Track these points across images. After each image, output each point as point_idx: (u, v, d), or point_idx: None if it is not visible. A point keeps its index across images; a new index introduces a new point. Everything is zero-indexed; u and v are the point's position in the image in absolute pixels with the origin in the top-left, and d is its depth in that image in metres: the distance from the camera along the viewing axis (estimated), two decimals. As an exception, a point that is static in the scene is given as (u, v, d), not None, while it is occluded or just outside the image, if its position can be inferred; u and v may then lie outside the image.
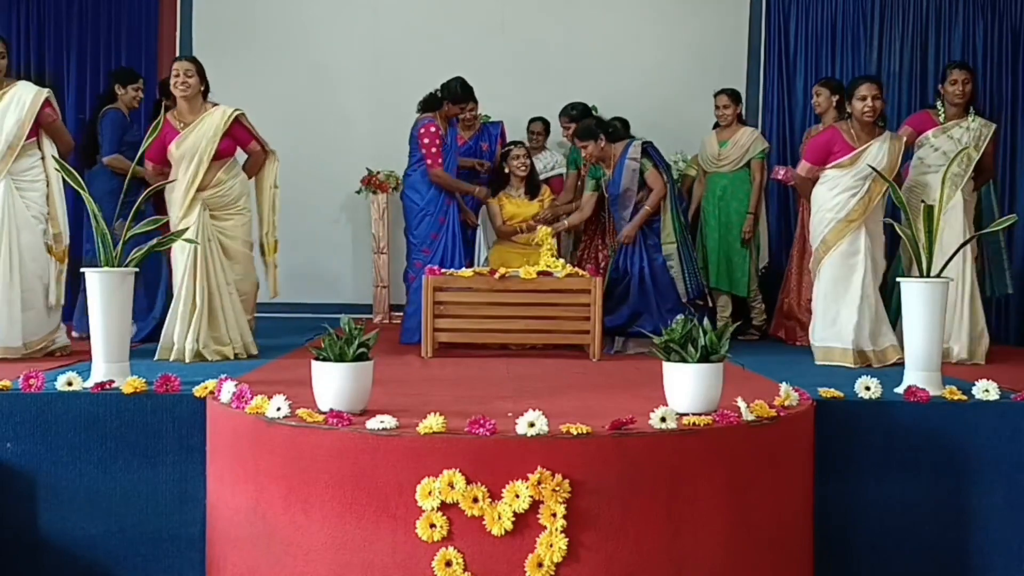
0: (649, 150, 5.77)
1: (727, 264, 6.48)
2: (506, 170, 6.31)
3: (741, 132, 6.55)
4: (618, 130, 6.01)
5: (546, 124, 7.17)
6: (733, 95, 6.60)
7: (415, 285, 6.03)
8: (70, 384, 3.81)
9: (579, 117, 6.36)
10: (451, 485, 2.98)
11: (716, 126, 6.83)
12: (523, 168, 6.28)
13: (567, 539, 2.96)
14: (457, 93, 6.15)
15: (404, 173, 6.29)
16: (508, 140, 6.73)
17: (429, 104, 6.16)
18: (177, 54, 7.78)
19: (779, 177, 6.39)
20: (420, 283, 5.88)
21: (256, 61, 7.73)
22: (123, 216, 4.60)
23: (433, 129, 6.01)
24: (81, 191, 4.24)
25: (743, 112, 6.79)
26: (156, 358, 4.89)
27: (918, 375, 4.06)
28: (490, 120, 6.95)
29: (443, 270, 5.55)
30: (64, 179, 4.42)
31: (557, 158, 7.18)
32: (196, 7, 7.87)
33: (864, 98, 5.01)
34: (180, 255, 4.96)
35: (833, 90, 6.29)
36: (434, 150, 5.96)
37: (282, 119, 7.57)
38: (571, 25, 7.94)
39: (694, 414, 3.27)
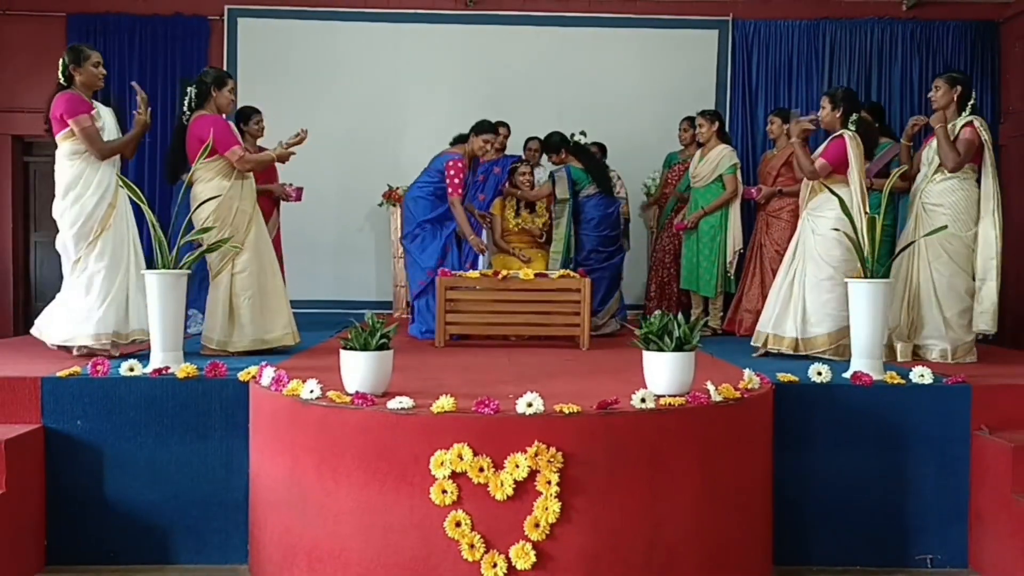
0: (553, 176, 6.28)
1: (696, 268, 6.39)
2: (513, 183, 6.31)
3: (713, 151, 6.35)
4: (576, 149, 6.33)
5: (541, 142, 7.17)
6: (705, 115, 6.41)
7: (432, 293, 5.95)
8: (132, 370, 3.81)
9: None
10: (460, 457, 2.98)
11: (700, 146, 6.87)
12: (527, 183, 6.26)
13: (560, 503, 2.97)
14: (483, 126, 6.16)
15: (415, 185, 6.22)
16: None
17: (459, 139, 6.19)
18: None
19: (749, 196, 6.28)
20: (430, 291, 5.86)
21: (292, 90, 7.72)
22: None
23: (460, 164, 6.02)
24: (141, 203, 4.22)
25: (724, 130, 6.57)
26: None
27: (863, 362, 4.04)
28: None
29: (454, 272, 5.55)
30: (128, 193, 4.37)
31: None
32: (240, 43, 7.86)
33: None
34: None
35: (784, 119, 6.21)
36: (457, 181, 5.97)
37: (315, 141, 7.52)
38: (563, 62, 7.94)
39: (670, 396, 3.27)
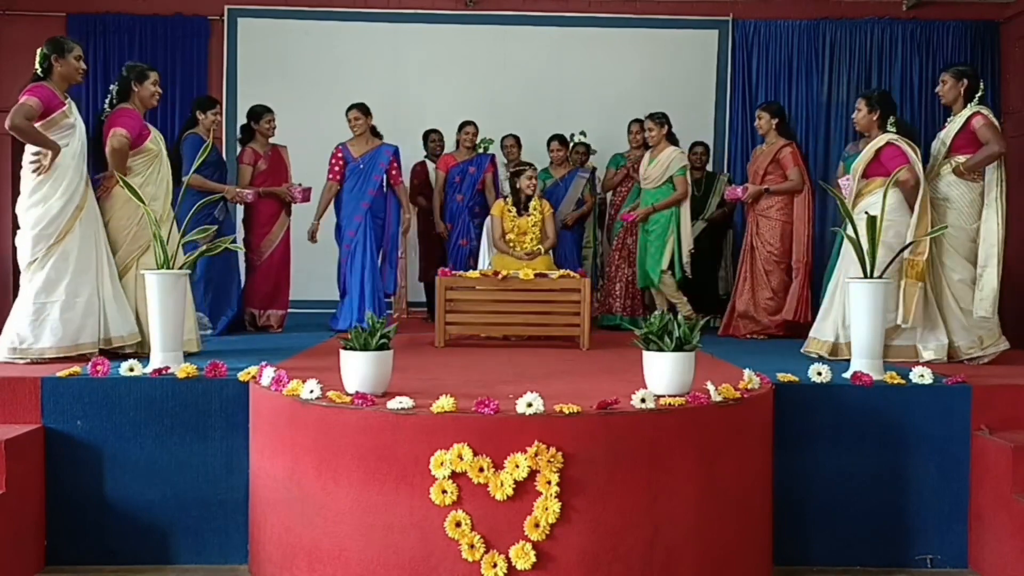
0: (591, 178, 6.72)
1: (644, 266, 6.31)
2: (517, 186, 6.18)
3: (663, 153, 6.26)
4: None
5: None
6: (654, 118, 6.31)
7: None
8: (132, 370, 3.81)
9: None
10: (460, 457, 2.98)
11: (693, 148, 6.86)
12: (532, 188, 6.17)
13: (560, 503, 2.97)
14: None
15: None
16: (497, 166, 6.87)
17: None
18: (224, 85, 7.80)
19: (735, 196, 6.15)
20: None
21: (292, 90, 7.73)
22: (198, 225, 4.59)
23: (339, 152, 6.20)
24: (141, 203, 4.21)
25: (673, 132, 6.41)
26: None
27: (863, 362, 4.04)
28: (491, 144, 6.96)
29: (454, 272, 5.56)
30: (127, 191, 4.32)
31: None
32: (240, 43, 7.88)
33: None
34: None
35: (773, 113, 6.06)
36: (337, 169, 6.17)
37: (314, 142, 7.59)
38: (563, 62, 7.96)
39: (670, 396, 3.27)
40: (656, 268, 6.25)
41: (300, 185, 6.16)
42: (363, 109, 6.29)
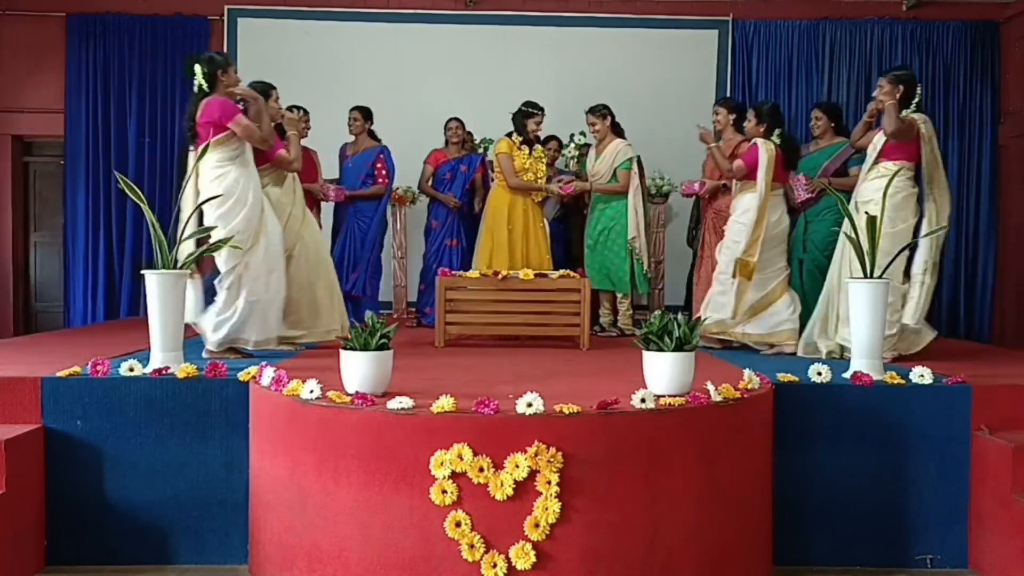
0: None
1: (606, 267, 6.20)
2: (526, 128, 6.08)
3: (608, 147, 6.20)
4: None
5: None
6: (595, 112, 6.23)
7: None
8: (132, 370, 3.80)
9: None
10: (460, 457, 2.98)
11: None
12: (536, 133, 6.12)
13: (560, 503, 2.97)
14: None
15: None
16: (487, 166, 6.88)
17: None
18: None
19: (692, 191, 6.10)
20: None
21: (292, 90, 7.65)
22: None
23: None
24: (141, 203, 4.19)
25: (618, 124, 6.36)
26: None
27: (863, 362, 4.04)
28: (492, 144, 6.96)
29: (454, 272, 5.55)
30: (127, 191, 4.31)
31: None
32: (240, 43, 7.87)
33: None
34: None
35: (730, 109, 6.00)
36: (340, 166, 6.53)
37: (313, 142, 7.58)
38: (563, 62, 7.95)
39: (670, 396, 3.27)
40: (624, 266, 6.13)
41: (335, 184, 6.26)
42: (362, 112, 6.51)
